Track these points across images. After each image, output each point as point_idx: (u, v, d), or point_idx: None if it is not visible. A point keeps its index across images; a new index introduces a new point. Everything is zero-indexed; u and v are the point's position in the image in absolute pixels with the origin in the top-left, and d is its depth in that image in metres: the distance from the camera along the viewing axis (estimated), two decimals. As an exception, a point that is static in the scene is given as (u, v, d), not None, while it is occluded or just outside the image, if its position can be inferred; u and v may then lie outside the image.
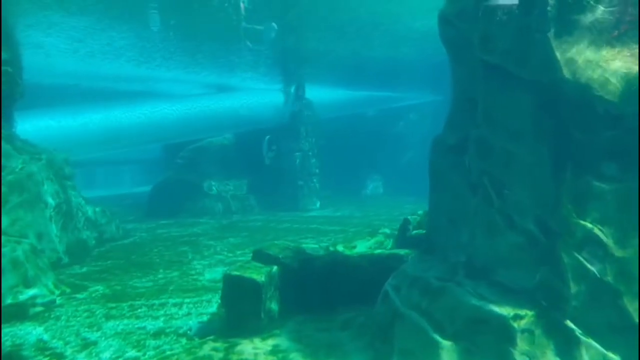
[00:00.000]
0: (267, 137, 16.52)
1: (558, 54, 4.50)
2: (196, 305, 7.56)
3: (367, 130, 22.92)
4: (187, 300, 7.84)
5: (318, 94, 19.14)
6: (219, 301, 6.88)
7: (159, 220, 15.64)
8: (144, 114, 15.94)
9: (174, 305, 7.61)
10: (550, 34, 4.52)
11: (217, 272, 9.18)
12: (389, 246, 7.72)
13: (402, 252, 6.97)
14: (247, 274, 6.37)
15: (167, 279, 9.10)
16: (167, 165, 18.20)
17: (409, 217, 7.71)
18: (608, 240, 4.49)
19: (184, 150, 17.72)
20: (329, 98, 20.82)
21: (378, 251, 7.28)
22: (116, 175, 27.77)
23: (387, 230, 8.41)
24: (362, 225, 14.21)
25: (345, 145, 22.14)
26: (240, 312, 6.28)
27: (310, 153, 18.58)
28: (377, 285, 6.09)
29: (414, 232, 7.42)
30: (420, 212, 7.74)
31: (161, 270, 9.72)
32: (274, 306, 6.50)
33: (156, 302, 7.79)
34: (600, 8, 4.53)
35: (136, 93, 18.67)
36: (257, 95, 18.69)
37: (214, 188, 17.28)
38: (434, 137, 6.20)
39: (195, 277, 9.23)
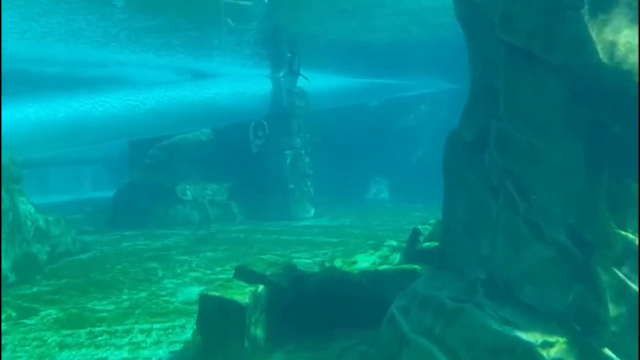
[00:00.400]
0: (253, 122, 16.40)
1: (593, 34, 4.51)
2: (167, 332, 7.54)
3: (370, 124, 22.99)
4: (156, 325, 7.82)
5: (313, 81, 19.16)
6: (194, 327, 6.86)
7: (124, 230, 15.61)
8: (107, 105, 15.88)
9: (141, 331, 7.60)
10: (584, 11, 4.54)
11: (193, 293, 9.17)
12: (396, 261, 7.73)
13: (411, 267, 7.00)
14: (228, 295, 6.36)
15: (132, 301, 9.08)
16: (133, 166, 18.16)
17: (419, 226, 7.73)
18: (653, 253, 4.51)
19: (153, 148, 17.69)
20: (325, 86, 20.84)
21: (383, 267, 7.30)
22: (73, 178, 27.69)
23: (394, 243, 8.42)
24: (364, 237, 14.23)
25: (345, 142, 22.20)
26: (219, 340, 6.27)
27: (303, 151, 18.60)
28: (382, 307, 6.12)
29: (425, 244, 7.44)
30: (432, 220, 7.75)
31: (126, 291, 9.70)
32: (259, 332, 6.49)
33: (120, 328, 7.76)
34: (643, -20, 4.57)
35: (97, 80, 18.64)
36: (241, 83, 18.69)
37: (188, 193, 17.27)
38: (448, 132, 6.22)
39: (166, 298, 9.22)
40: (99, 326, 7.87)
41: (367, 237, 14.12)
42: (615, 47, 4.51)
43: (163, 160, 17.49)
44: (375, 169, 22.70)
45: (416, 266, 6.98)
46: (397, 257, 7.89)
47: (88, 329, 7.77)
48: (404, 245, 8.00)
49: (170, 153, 17.62)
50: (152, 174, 17.19)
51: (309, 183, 18.58)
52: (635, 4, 4.60)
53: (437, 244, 6.78)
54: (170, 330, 7.59)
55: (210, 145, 18.39)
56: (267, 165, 18.07)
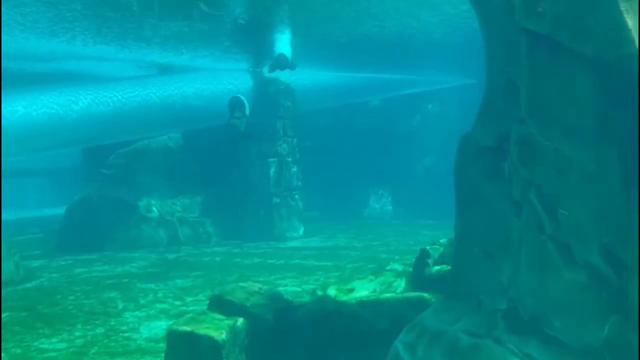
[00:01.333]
0: (231, 98, 16.10)
1: (629, 21, 4.58)
2: (129, 376, 7.51)
3: (370, 126, 23.10)
4: (116, 367, 7.79)
5: (302, 77, 19.24)
6: (162, 369, 6.84)
7: (77, 255, 15.57)
8: (55, 105, 15.83)
9: (98, 375, 7.56)
10: (619, -7, 4.61)
11: (159, 328, 9.15)
12: (401, 288, 7.75)
13: (418, 296, 7.02)
14: (201, 330, 6.35)
15: (87, 338, 9.05)
16: (88, 177, 18.12)
17: (427, 247, 7.76)
18: (702, 278, 4.55)
19: (112, 156, 17.68)
20: (317, 82, 20.93)
21: (385, 295, 7.32)
22: (15, 192, 27.59)
23: (398, 267, 8.43)
24: (363, 260, 14.26)
25: (340, 148, 22.28)
26: (191, 384, 6.25)
27: (290, 159, 18.64)
28: (384, 343, 6.12)
29: (435, 268, 7.47)
30: (443, 240, 7.80)
31: (79, 326, 9.66)
32: (239, 375, 6.49)
33: (72, 370, 7.72)
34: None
35: (45, 75, 18.61)
36: (216, 79, 18.71)
37: (154, 209, 17.25)
38: (461, 135, 6.27)
39: (127, 334, 9.19)
40: (47, 369, 7.83)
41: (366, 260, 14.15)
42: (656, 36, 4.58)
43: (124, 170, 17.47)
44: (376, 179, 22.78)
45: (425, 294, 6.99)
46: (402, 284, 7.91)
47: (34, 372, 7.73)
48: (410, 269, 8.02)
49: (132, 162, 17.61)
50: (110, 187, 17.17)
51: (296, 196, 18.61)
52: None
53: (449, 268, 6.81)
54: (132, 374, 7.56)
55: (180, 152, 18.40)
56: (248, 176, 18.09)
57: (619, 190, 4.77)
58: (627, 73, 4.70)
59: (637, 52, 4.59)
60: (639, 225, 4.65)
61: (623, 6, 4.62)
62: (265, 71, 18.68)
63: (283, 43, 16.32)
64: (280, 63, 16.23)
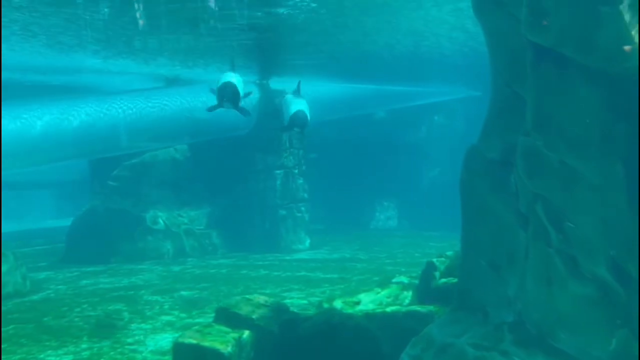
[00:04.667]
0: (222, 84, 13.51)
1: (634, 34, 4.61)
2: (135, 388, 7.50)
3: (375, 138, 23.11)
4: (122, 380, 7.78)
5: (307, 88, 19.27)
6: (168, 381, 6.84)
7: (83, 266, 15.54)
8: (58, 117, 15.91)
9: (103, 388, 7.55)
10: (623, 7, 4.64)
11: (165, 340, 9.12)
12: (407, 301, 7.76)
13: (425, 309, 7.03)
14: (207, 342, 6.37)
15: (93, 351, 9.03)
16: (94, 190, 18.16)
17: (434, 260, 7.77)
18: None
19: (118, 168, 17.72)
20: (322, 94, 20.96)
21: (391, 308, 7.33)
22: (22, 204, 27.68)
23: (405, 279, 8.43)
24: (369, 272, 14.22)
25: (346, 160, 22.29)
26: (197, 397, 6.26)
27: (296, 171, 18.65)
28: (391, 356, 6.12)
29: (442, 280, 7.48)
30: (449, 253, 7.80)
31: (85, 338, 9.64)
32: (245, 388, 6.49)
33: (78, 383, 7.72)
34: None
35: (51, 88, 18.70)
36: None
37: (160, 221, 17.24)
38: (467, 148, 6.29)
39: (133, 347, 9.17)
40: (53, 382, 7.83)
41: (372, 272, 14.10)
42: (661, 49, 4.61)
43: (130, 182, 17.48)
44: (382, 192, 22.76)
45: (431, 307, 7.01)
46: (408, 297, 7.92)
47: (40, 385, 7.73)
48: (417, 282, 8.03)
49: (138, 174, 17.62)
50: (117, 199, 17.17)
51: (303, 208, 18.59)
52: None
53: (456, 280, 6.81)
54: (138, 386, 7.55)
55: (186, 164, 18.41)
56: (254, 188, 18.09)
57: (624, 202, 4.79)
58: (632, 87, 4.73)
59: (643, 65, 4.62)
60: (646, 238, 4.67)
61: (628, 19, 4.65)
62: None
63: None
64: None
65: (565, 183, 5.04)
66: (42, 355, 8.91)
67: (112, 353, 8.91)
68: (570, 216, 5.04)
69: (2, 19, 12.59)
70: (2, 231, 19.00)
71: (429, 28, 14.99)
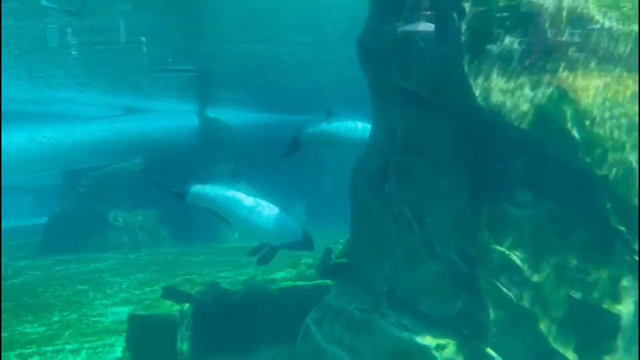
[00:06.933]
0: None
1: (472, 82, 4.78)
2: (97, 351, 7.15)
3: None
4: (86, 345, 7.40)
5: (238, 116, 19.09)
6: (124, 345, 6.55)
7: (57, 256, 14.71)
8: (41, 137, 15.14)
9: (71, 351, 7.17)
10: (465, 62, 4.79)
11: (122, 313, 8.76)
12: (312, 277, 7.74)
13: (325, 283, 7.04)
14: (156, 313, 6.15)
15: (63, 323, 8.56)
16: (67, 194, 17.30)
17: (331, 245, 7.79)
18: (524, 266, 4.77)
19: (86, 177, 16.93)
20: (250, 121, 20.83)
21: (300, 283, 7.31)
22: (4, 206, 25.84)
23: (310, 260, 8.44)
24: (283, 256, 14.12)
25: (269, 171, 22.08)
26: (148, 356, 6.02)
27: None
28: (300, 320, 6.08)
29: (337, 261, 7.48)
30: (342, 240, 7.84)
31: (57, 313, 9.12)
32: (185, 347, 6.29)
33: (49, 349, 7.29)
34: (510, 38, 4.88)
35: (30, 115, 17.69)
36: (170, 118, 18.35)
37: (120, 219, 16.58)
38: (354, 163, 6.35)
39: (96, 318, 8.76)
40: (28, 348, 7.35)
41: (286, 256, 14.04)
42: (490, 92, 4.78)
43: (96, 188, 16.78)
44: (295, 194, 22.71)
45: (329, 281, 7.01)
46: (312, 274, 7.91)
47: (18, 351, 7.24)
48: (319, 262, 8.03)
49: (103, 182, 16.93)
50: (85, 201, 16.46)
51: (232, 208, 18.37)
52: (505, 55, 4.89)
53: (347, 261, 6.85)
54: (100, 349, 7.20)
55: (141, 174, 17.82)
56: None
57: (467, 204, 4.95)
58: (472, 119, 4.90)
59: (479, 104, 4.78)
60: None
61: (468, 73, 4.80)
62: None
63: None
64: None
65: (425, 190, 5.16)
66: (20, 327, 8.38)
67: (78, 324, 8.48)
68: (428, 214, 5.16)
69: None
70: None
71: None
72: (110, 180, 17.00)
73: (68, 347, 7.35)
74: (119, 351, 7.00)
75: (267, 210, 6.76)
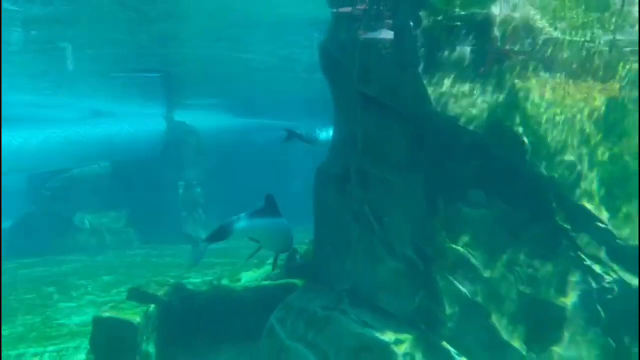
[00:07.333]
0: None
1: (428, 88, 4.91)
2: (60, 354, 7.02)
3: (257, 158, 22.97)
4: (50, 348, 7.26)
5: (205, 120, 18.95)
6: (88, 347, 6.44)
7: (21, 259, 14.32)
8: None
9: (34, 355, 7.03)
10: (421, 68, 4.92)
11: (87, 315, 8.60)
12: (277, 277, 7.75)
13: (289, 282, 7.05)
14: (121, 315, 6.07)
15: (26, 326, 8.35)
16: (32, 198, 16.86)
17: (295, 246, 7.82)
18: (477, 263, 4.93)
19: (52, 180, 16.53)
20: (216, 124, 20.67)
21: (265, 282, 7.30)
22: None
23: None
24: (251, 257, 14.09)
25: (235, 173, 21.98)
26: (112, 358, 5.94)
27: (194, 182, 18.28)
28: (264, 319, 6.10)
29: (301, 261, 7.54)
30: (307, 240, 7.89)
31: (20, 316, 8.90)
32: (151, 349, 6.24)
33: (12, 353, 7.12)
34: (464, 46, 5.04)
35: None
36: (137, 121, 18.11)
37: (86, 221, 16.26)
38: (318, 166, 6.42)
39: (60, 321, 8.58)
40: (-9, 353, 7.16)
41: (253, 257, 14.00)
42: (444, 98, 4.93)
43: (62, 191, 16.41)
44: (260, 195, 22.63)
45: (294, 280, 7.05)
46: (277, 274, 7.92)
47: (-21, 356, 7.04)
48: (283, 262, 8.05)
49: (68, 185, 16.58)
50: (50, 205, 16.07)
51: (200, 210, 18.25)
52: (461, 64, 5.03)
53: (310, 261, 6.91)
54: (63, 352, 7.07)
55: (109, 177, 17.51)
56: (163, 195, 17.51)
57: (423, 204, 5.08)
58: (428, 124, 5.03)
59: (434, 109, 4.92)
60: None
61: (424, 79, 4.93)
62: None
63: None
64: None
65: (384, 191, 5.27)
66: (-19, 332, 8.11)
67: (42, 327, 8.30)
68: (387, 214, 5.27)
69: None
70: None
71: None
72: (77, 182, 16.68)
73: (31, 350, 7.21)
74: (83, 354, 6.88)
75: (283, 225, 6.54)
